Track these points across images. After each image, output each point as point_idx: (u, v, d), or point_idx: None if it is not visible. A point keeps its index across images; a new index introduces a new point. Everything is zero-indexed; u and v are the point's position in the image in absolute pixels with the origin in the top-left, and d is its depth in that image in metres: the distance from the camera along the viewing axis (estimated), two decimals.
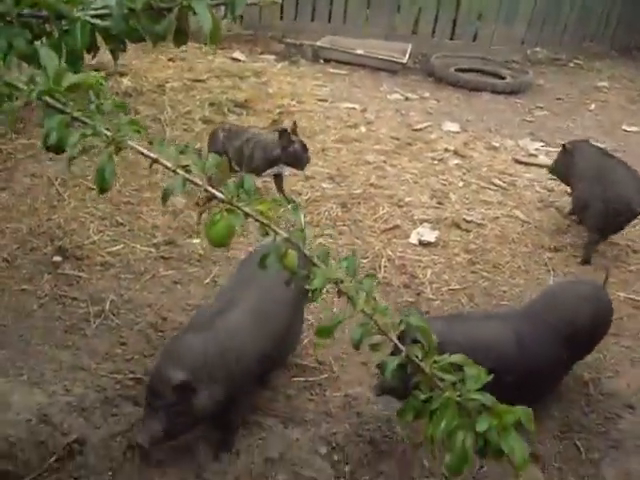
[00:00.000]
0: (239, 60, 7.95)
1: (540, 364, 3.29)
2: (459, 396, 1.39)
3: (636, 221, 5.46)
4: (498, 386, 2.55)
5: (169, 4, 1.51)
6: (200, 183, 1.46)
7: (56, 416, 3.08)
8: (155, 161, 1.46)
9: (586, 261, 4.78)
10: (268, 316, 3.08)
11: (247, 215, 1.56)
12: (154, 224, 4.66)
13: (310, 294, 1.64)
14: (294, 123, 4.96)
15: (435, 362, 1.45)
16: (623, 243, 5.15)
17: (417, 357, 1.47)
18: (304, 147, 4.86)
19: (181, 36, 1.62)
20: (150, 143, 1.44)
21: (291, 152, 4.80)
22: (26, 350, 3.48)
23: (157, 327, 3.76)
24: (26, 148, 5.30)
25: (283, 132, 4.81)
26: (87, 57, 1.73)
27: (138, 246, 4.41)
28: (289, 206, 1.71)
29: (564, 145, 5.22)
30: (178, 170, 1.41)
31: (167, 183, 1.46)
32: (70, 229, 4.45)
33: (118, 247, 4.38)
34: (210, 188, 1.46)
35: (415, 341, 1.55)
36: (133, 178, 5.07)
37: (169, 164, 1.44)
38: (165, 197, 1.50)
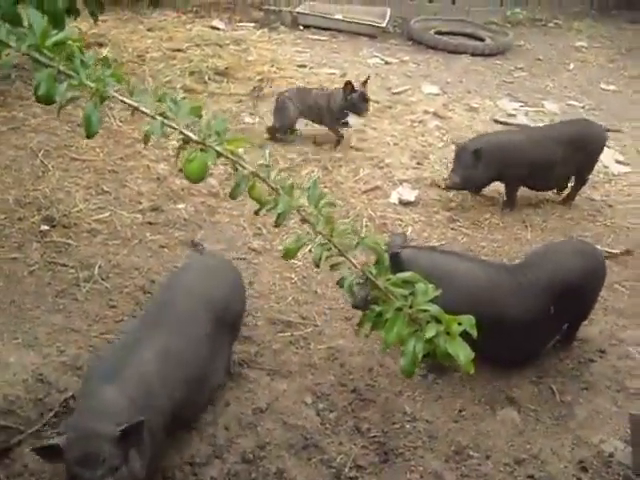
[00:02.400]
0: (218, 28, 7.95)
1: (517, 311, 3.40)
2: (410, 308, 1.53)
3: (611, 177, 5.62)
4: None
5: None
6: (176, 126, 1.57)
7: (51, 375, 3.19)
8: (136, 109, 1.56)
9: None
10: (181, 358, 2.81)
11: (219, 153, 1.70)
12: (139, 191, 4.74)
13: (275, 220, 1.76)
14: (367, 78, 5.63)
15: (388, 279, 1.57)
16: (598, 198, 5.29)
17: (371, 274, 1.60)
18: (363, 96, 5.43)
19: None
20: (131, 94, 1.54)
21: (350, 100, 5.39)
22: (19, 315, 3.58)
23: (145, 289, 3.87)
24: (8, 121, 5.33)
25: (347, 83, 5.43)
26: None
27: (124, 213, 4.49)
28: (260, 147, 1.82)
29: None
30: (156, 116, 1.52)
31: (147, 126, 1.57)
32: (56, 198, 4.52)
33: (104, 214, 4.46)
34: (185, 130, 1.57)
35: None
36: (117, 147, 5.14)
37: (148, 111, 1.55)
38: (146, 139, 1.62)
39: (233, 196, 1.83)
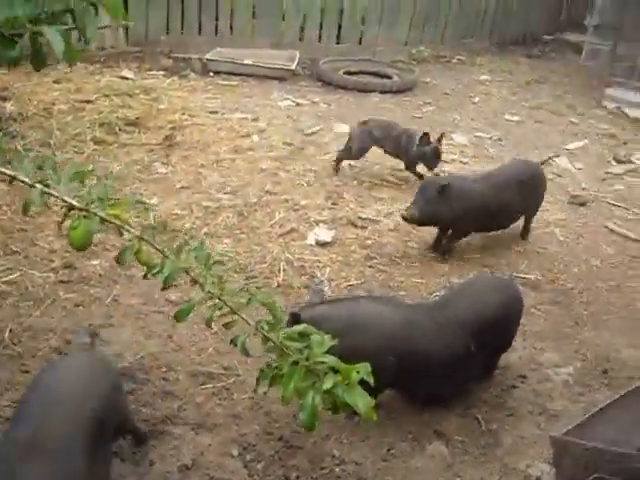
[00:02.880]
0: (127, 78, 7.90)
1: (433, 350, 3.39)
2: (307, 360, 1.52)
3: None
4: (382, 364, 2.67)
5: (19, 30, 1.56)
6: (57, 195, 1.53)
7: None
8: (14, 178, 1.52)
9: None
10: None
11: (103, 219, 1.66)
12: (51, 249, 4.59)
13: (162, 282, 1.73)
14: (442, 134, 5.85)
15: (283, 333, 1.56)
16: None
17: (264, 329, 1.58)
18: (436, 151, 5.72)
19: (38, 60, 1.67)
20: (39, 168, 1.50)
21: (422, 152, 5.72)
22: None
23: (61, 351, 3.73)
24: None
25: (425, 134, 5.71)
26: None
27: (35, 272, 4.34)
28: (143, 207, 1.79)
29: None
30: (36, 184, 1.48)
31: (26, 197, 1.53)
32: None
33: (14, 275, 4.30)
34: (67, 198, 1.54)
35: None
36: None
37: (27, 179, 1.50)
38: (25, 210, 1.57)
39: (120, 262, 1.78)
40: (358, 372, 1.48)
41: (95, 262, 4.50)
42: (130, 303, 4.15)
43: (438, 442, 3.36)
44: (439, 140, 5.74)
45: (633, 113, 8.61)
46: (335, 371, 1.49)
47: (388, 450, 3.29)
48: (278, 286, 4.37)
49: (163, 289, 1.81)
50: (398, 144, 5.89)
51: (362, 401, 1.46)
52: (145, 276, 1.82)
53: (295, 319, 3.00)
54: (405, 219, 4.77)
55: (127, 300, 4.17)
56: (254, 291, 1.66)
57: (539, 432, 3.47)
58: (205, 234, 4.86)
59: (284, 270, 4.53)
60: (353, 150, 5.93)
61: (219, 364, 3.71)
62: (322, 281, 4.19)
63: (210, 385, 3.57)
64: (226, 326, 1.71)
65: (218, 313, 1.68)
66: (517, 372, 3.88)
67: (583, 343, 4.18)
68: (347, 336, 3.13)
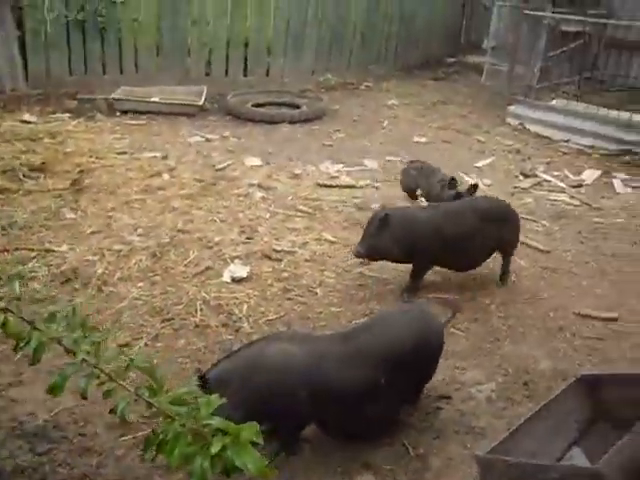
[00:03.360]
0: (30, 122, 7.68)
1: (342, 382, 3.25)
2: (194, 423, 1.45)
3: None
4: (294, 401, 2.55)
5: None
6: None
7: None
8: None
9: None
10: None
11: None
12: None
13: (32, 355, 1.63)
14: (475, 184, 5.64)
15: (167, 397, 1.49)
16: None
17: (145, 395, 1.51)
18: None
19: None
20: None
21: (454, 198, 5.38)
22: None
23: None
24: None
25: (473, 186, 5.55)
26: None
27: None
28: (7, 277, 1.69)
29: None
30: None
31: None
32: None
33: None
34: None
35: None
36: None
37: None
38: None
39: None
40: (246, 430, 1.42)
41: None
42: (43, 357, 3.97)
43: (367, 474, 3.31)
44: (470, 191, 5.47)
45: (534, 128, 8.95)
46: (224, 432, 1.42)
47: None
48: (196, 326, 4.27)
49: (31, 364, 1.71)
50: (433, 188, 5.82)
51: (252, 461, 1.40)
52: (15, 349, 1.71)
53: (202, 381, 2.92)
54: (355, 256, 4.69)
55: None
56: (134, 356, 1.58)
57: (466, 452, 3.46)
58: (118, 279, 4.72)
59: (201, 310, 4.43)
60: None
61: (138, 413, 3.57)
62: (232, 342, 4.02)
63: (130, 436, 3.44)
64: (105, 395, 1.62)
65: (96, 381, 1.59)
66: (441, 393, 3.88)
67: (504, 358, 4.23)
68: (255, 382, 3.08)
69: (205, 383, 2.91)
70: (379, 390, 3.32)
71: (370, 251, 4.60)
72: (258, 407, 3.02)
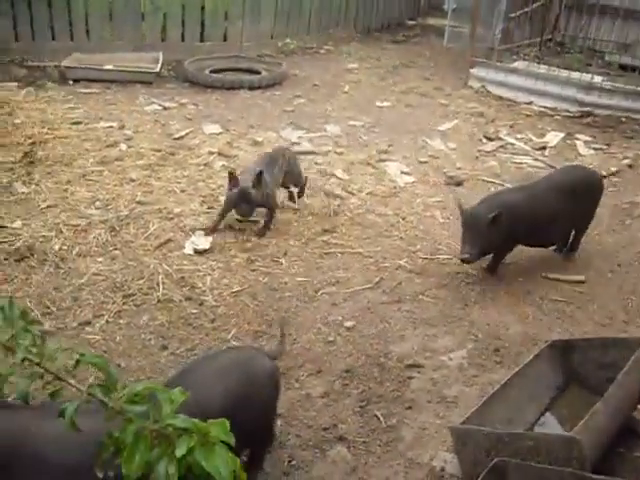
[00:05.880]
0: None
1: None
2: (156, 424, 1.31)
3: (399, 189, 5.82)
4: None
5: None
6: None
7: None
8: None
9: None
10: None
11: None
12: None
13: None
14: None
15: (122, 396, 1.36)
16: (391, 212, 5.43)
17: (98, 394, 1.38)
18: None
19: None
20: None
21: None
22: None
23: None
24: None
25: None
26: None
27: None
28: None
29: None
30: None
31: None
32: None
33: None
34: None
35: None
36: None
37: None
38: None
39: None
40: (214, 428, 1.28)
41: None
42: None
43: (339, 445, 3.25)
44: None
45: (496, 91, 8.87)
46: (190, 432, 1.29)
47: (289, 462, 3.15)
48: (159, 301, 4.13)
49: None
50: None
51: (223, 464, 1.27)
52: None
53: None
54: (465, 262, 4.49)
55: None
56: (84, 350, 1.44)
57: (439, 421, 3.42)
58: (77, 254, 4.54)
59: (163, 284, 4.29)
60: None
61: None
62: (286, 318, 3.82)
63: None
64: (51, 397, 1.47)
65: (40, 382, 1.44)
66: (412, 362, 3.82)
67: (473, 324, 4.19)
68: None
69: None
70: None
71: (481, 254, 4.49)
72: None
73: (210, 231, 4.87)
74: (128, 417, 1.32)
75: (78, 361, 1.41)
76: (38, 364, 1.40)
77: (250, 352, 3.02)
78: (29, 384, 1.40)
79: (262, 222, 5.04)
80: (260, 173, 4.80)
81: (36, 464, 2.01)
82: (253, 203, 4.83)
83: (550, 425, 3.30)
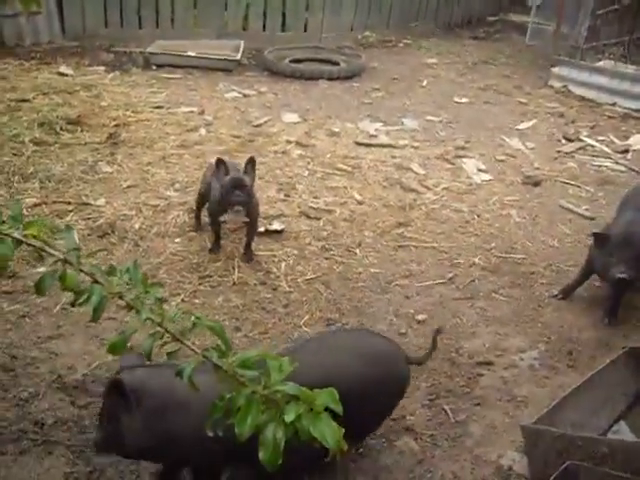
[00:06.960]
0: (66, 74, 7.60)
1: None
2: (265, 389, 1.36)
3: (475, 186, 5.77)
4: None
5: None
6: None
7: None
8: None
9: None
10: None
11: (19, 241, 1.48)
12: None
13: (92, 313, 1.53)
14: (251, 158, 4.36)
15: (235, 360, 1.41)
16: (466, 209, 5.40)
17: (213, 357, 1.43)
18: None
19: None
20: None
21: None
22: None
23: (7, 367, 3.51)
24: None
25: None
26: None
27: None
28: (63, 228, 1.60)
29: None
30: None
31: None
32: None
33: None
34: None
35: None
36: None
37: None
38: None
39: (40, 291, 1.56)
40: (321, 397, 1.32)
41: (41, 269, 4.27)
42: (79, 311, 3.94)
43: (407, 437, 3.27)
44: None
45: (579, 91, 8.64)
46: (297, 399, 1.33)
47: (356, 450, 3.18)
48: (234, 284, 4.22)
49: (91, 321, 1.61)
50: None
51: (330, 432, 1.31)
52: (73, 304, 1.61)
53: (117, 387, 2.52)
54: (623, 281, 4.06)
55: (76, 308, 3.96)
56: (200, 314, 1.49)
57: (508, 420, 3.40)
58: (155, 234, 4.68)
59: (239, 267, 4.38)
60: None
61: None
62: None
63: None
64: (169, 356, 1.54)
65: (159, 341, 1.51)
66: (482, 359, 3.81)
67: (546, 325, 4.14)
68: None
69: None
70: None
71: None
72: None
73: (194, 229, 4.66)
74: (241, 381, 1.38)
75: (194, 324, 1.48)
76: (159, 324, 1.47)
77: (394, 350, 3.10)
78: (152, 343, 1.48)
79: (244, 241, 4.51)
80: (251, 158, 4.31)
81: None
82: (248, 190, 4.22)
83: (624, 434, 3.23)
